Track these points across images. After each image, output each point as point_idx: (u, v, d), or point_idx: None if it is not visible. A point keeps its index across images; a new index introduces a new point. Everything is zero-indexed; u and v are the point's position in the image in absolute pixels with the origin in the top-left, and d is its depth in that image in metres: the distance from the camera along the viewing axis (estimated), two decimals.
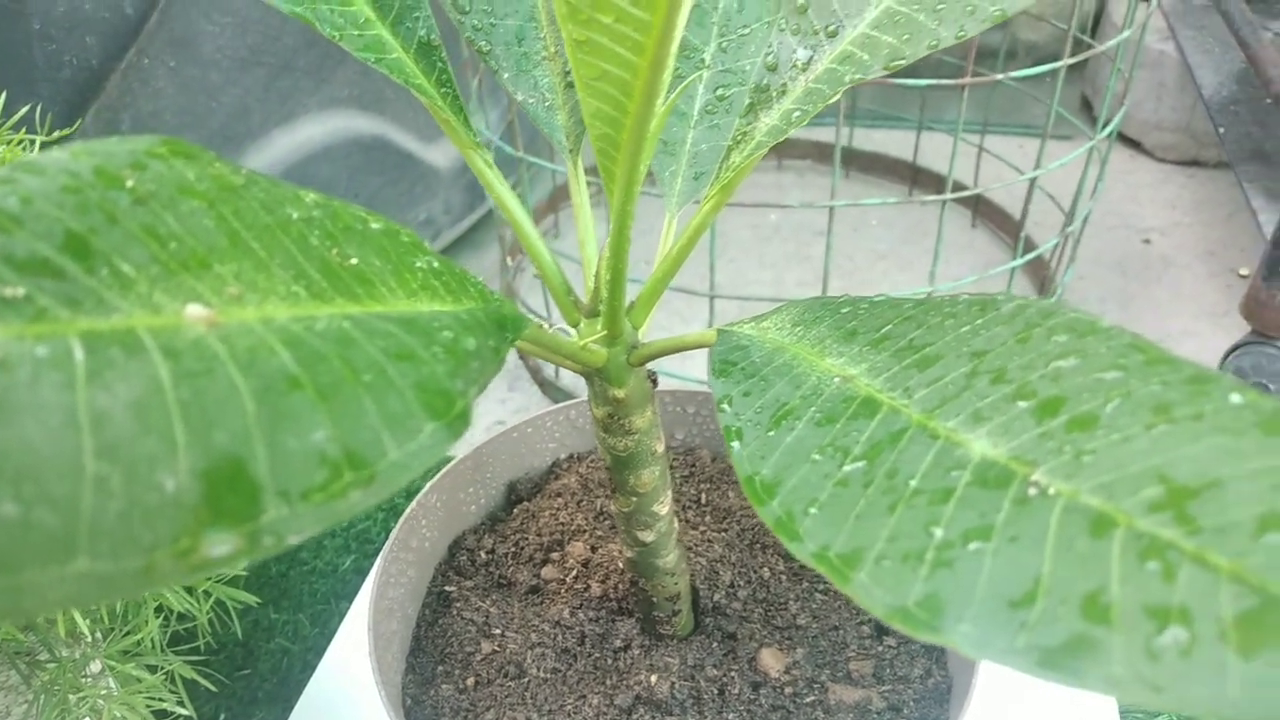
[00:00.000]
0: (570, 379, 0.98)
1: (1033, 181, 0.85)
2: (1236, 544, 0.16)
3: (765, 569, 0.51)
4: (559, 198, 1.23)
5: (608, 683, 0.46)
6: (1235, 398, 0.19)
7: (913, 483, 0.22)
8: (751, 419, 0.27)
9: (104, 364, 0.15)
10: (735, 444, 0.27)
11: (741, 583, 0.51)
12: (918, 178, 1.30)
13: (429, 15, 0.33)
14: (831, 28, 0.32)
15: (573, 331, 0.37)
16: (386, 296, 0.24)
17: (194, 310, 0.18)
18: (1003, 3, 0.28)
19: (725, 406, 0.28)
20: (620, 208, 0.31)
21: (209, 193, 0.21)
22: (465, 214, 1.14)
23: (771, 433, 0.26)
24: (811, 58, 0.32)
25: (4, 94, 0.72)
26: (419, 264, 0.27)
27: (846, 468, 0.24)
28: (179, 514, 0.14)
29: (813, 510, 0.23)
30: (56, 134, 0.70)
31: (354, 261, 0.24)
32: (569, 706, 0.45)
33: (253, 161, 0.93)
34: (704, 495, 0.57)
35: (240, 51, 0.89)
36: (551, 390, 0.97)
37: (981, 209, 1.25)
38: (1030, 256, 0.83)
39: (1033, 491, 0.20)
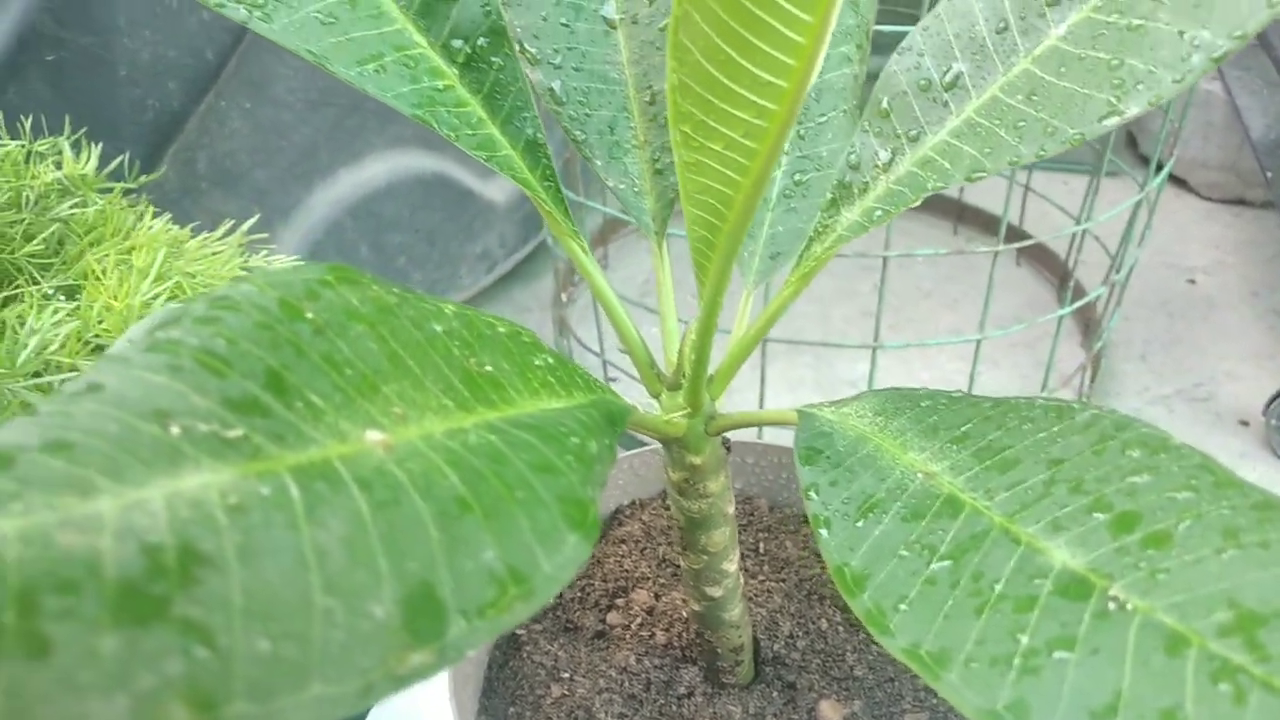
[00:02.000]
0: None
1: (1084, 232, 0.87)
2: None
3: (823, 620, 0.53)
4: (609, 231, 1.26)
5: None
6: None
7: (998, 587, 0.24)
8: (839, 509, 0.29)
9: (316, 500, 0.18)
10: (823, 532, 0.29)
11: (800, 633, 0.53)
12: (964, 214, 1.32)
13: (535, 116, 0.36)
14: (913, 133, 0.34)
15: (655, 404, 0.40)
16: (514, 399, 0.27)
17: (372, 435, 0.21)
18: (1084, 127, 0.30)
19: (812, 495, 0.30)
20: (710, 299, 0.34)
21: (370, 316, 0.24)
22: (519, 246, 1.17)
23: (859, 524, 0.28)
24: (892, 159, 0.35)
25: (91, 138, 0.76)
26: (537, 362, 0.29)
27: (933, 566, 0.26)
28: (387, 638, 0.17)
29: (902, 607, 0.25)
30: (142, 179, 0.74)
31: (488, 369, 0.26)
32: None
33: (320, 198, 0.97)
34: (762, 544, 0.59)
35: (311, 93, 0.92)
36: None
37: (1027, 248, 1.26)
38: (1077, 305, 0.85)
39: (1112, 606, 0.22)
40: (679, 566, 0.57)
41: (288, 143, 0.94)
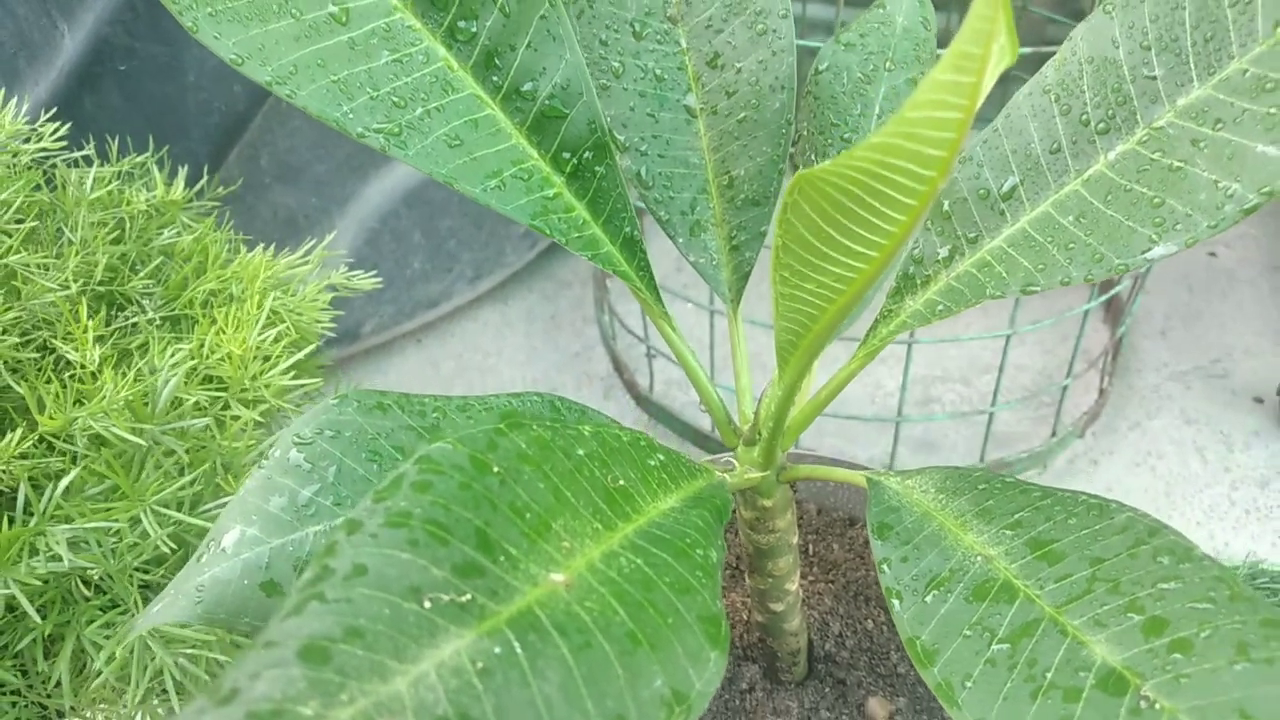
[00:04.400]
0: (662, 392, 1.06)
1: None
2: None
3: (869, 620, 0.59)
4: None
5: None
6: None
7: (1049, 675, 0.29)
8: (909, 584, 0.35)
9: (534, 653, 0.23)
10: (895, 603, 0.34)
11: (849, 633, 0.58)
12: None
13: (633, 215, 0.40)
14: (972, 235, 0.39)
15: (733, 460, 0.45)
16: (642, 506, 0.32)
17: (555, 577, 0.26)
18: (1128, 259, 0.34)
19: (885, 568, 0.36)
20: (790, 383, 0.39)
21: (535, 456, 0.29)
22: None
23: (927, 599, 0.34)
24: (951, 257, 0.39)
25: (162, 140, 0.80)
26: (652, 462, 0.34)
27: (994, 648, 0.31)
28: None
29: (968, 684, 0.30)
30: (221, 190, 0.78)
31: (621, 482, 0.31)
32: None
33: (375, 188, 1.01)
34: (811, 546, 0.64)
35: None
36: (646, 404, 1.04)
37: None
38: (1103, 299, 0.89)
39: (1143, 704, 0.27)
40: (737, 569, 0.63)
41: (344, 138, 0.97)
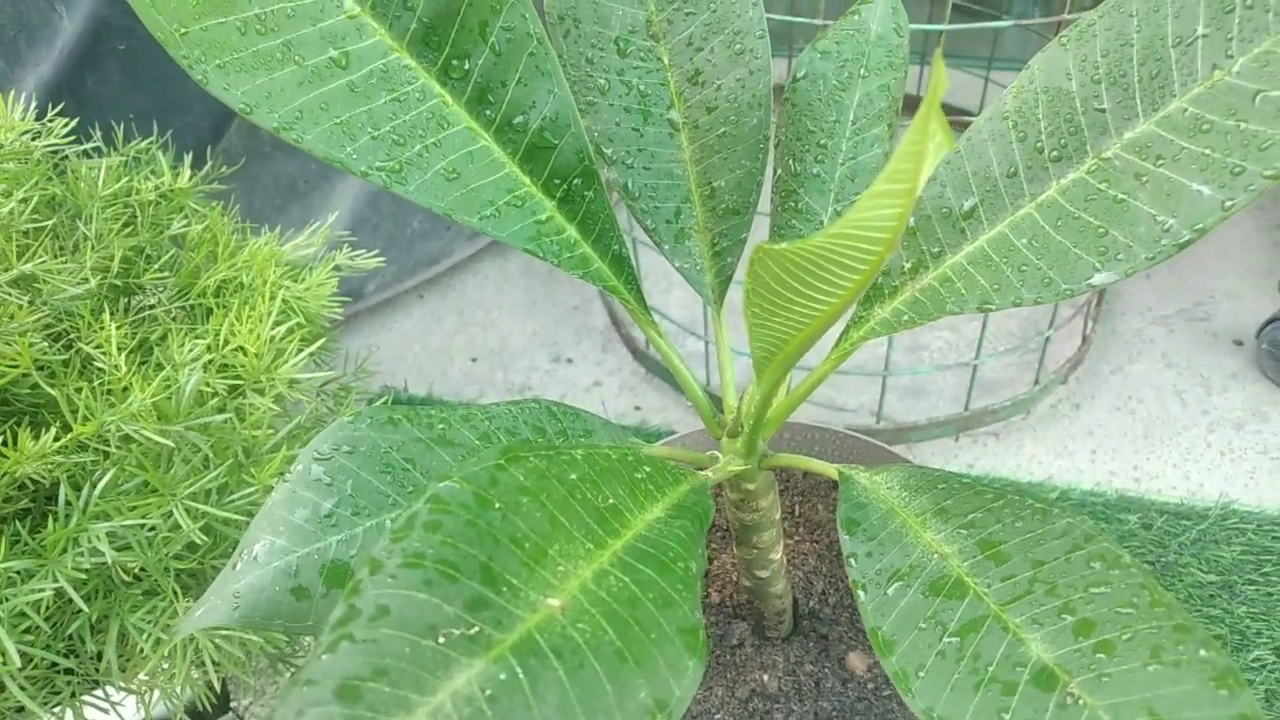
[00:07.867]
0: None
1: None
2: None
3: None
4: None
5: (728, 677, 0.59)
6: (1203, 653, 0.30)
7: (990, 669, 0.33)
8: (873, 578, 0.38)
9: (534, 678, 0.27)
10: (861, 594, 0.38)
11: (831, 591, 0.63)
12: None
13: (620, 234, 0.43)
14: (935, 250, 0.42)
15: (719, 453, 0.48)
16: (629, 520, 0.35)
17: (551, 601, 0.30)
18: (1072, 284, 0.37)
19: (852, 562, 0.39)
20: (766, 393, 0.42)
21: (532, 486, 0.32)
22: None
23: (888, 592, 0.38)
24: (916, 269, 0.42)
25: (164, 115, 0.82)
26: (639, 475, 0.38)
27: (945, 640, 0.35)
28: None
29: (921, 674, 0.34)
30: (226, 170, 0.80)
31: (610, 501, 0.35)
32: (699, 694, 0.58)
33: None
34: (797, 507, 0.68)
35: None
36: (642, 358, 1.08)
37: None
38: None
39: (1069, 700, 0.31)
40: (727, 531, 0.67)
41: None
